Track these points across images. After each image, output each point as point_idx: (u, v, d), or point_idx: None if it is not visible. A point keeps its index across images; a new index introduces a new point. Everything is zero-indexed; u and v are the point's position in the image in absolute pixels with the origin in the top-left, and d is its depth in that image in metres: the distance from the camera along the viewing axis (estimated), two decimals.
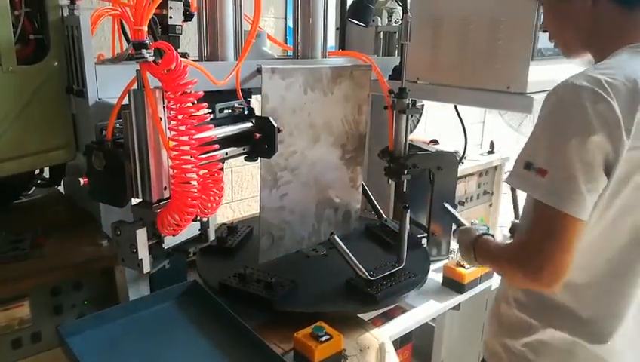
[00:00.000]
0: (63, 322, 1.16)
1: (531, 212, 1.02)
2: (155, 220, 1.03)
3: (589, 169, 0.94)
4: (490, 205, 2.53)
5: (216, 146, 1.10)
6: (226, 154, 1.19)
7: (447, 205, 1.59)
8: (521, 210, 1.64)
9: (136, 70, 0.96)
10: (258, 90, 1.40)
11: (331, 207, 1.73)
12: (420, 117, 2.21)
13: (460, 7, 1.63)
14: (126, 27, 1.51)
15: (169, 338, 1.17)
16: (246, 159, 1.32)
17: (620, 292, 1.08)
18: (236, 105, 1.31)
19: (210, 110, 1.15)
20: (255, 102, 1.38)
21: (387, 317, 1.61)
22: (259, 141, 1.27)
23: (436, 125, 2.85)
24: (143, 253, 1.03)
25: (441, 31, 1.68)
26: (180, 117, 0.99)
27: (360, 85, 1.67)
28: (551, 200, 0.96)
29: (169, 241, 1.09)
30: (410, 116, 1.61)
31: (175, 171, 1.01)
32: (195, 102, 1.00)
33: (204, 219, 1.16)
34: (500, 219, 2.55)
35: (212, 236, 1.20)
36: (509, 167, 2.62)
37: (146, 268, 1.04)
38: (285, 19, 2.81)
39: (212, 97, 1.18)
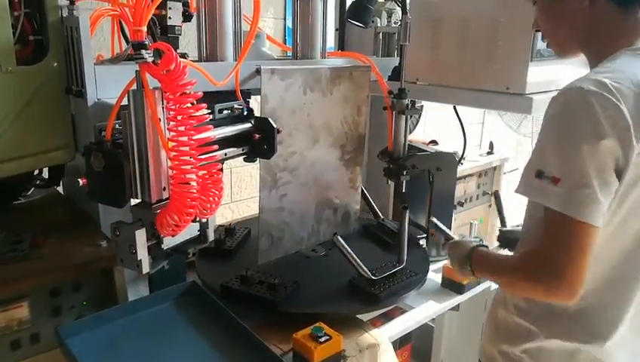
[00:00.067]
0: (62, 323, 1.16)
1: (540, 221, 0.99)
2: (154, 221, 1.03)
3: (602, 174, 0.92)
4: (490, 205, 2.53)
5: (216, 147, 1.11)
6: (225, 154, 1.19)
7: (434, 219, 1.57)
8: (511, 218, 1.65)
9: (136, 71, 0.96)
10: (257, 91, 1.40)
11: (330, 208, 1.73)
12: (420, 117, 2.21)
13: (460, 8, 1.63)
14: (125, 28, 1.51)
15: (168, 338, 1.16)
16: (245, 160, 1.32)
17: (623, 297, 1.07)
18: (235, 105, 1.30)
19: (209, 111, 1.15)
20: (254, 102, 1.38)
21: (387, 317, 1.61)
22: (258, 142, 1.27)
23: (435, 126, 2.85)
24: (142, 254, 1.03)
25: (440, 32, 1.68)
26: (179, 117, 0.99)
27: (359, 86, 1.67)
28: (567, 208, 0.93)
29: (168, 242, 1.09)
30: (409, 117, 1.61)
31: (174, 172, 1.01)
32: (195, 102, 1.00)
33: (204, 220, 1.16)
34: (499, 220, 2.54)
35: (211, 237, 1.20)
36: (508, 167, 2.63)
37: (145, 268, 1.04)
38: (284, 19, 2.82)
39: (211, 98, 1.18)
